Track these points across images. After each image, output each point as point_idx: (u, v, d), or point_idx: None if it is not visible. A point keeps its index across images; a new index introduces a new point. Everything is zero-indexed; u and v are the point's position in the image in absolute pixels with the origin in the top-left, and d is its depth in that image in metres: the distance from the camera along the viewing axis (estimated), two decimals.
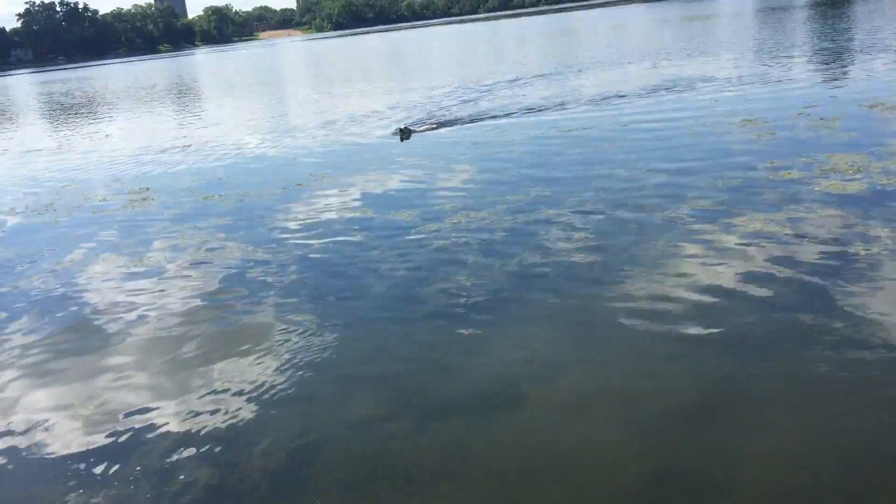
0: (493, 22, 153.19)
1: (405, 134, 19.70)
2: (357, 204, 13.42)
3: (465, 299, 8.65)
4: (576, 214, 11.26)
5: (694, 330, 7.37)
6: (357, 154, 18.41)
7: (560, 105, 22.23)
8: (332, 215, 12.86)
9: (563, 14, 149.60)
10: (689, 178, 12.51)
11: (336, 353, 7.76)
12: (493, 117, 21.40)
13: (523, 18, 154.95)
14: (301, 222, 12.63)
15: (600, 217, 11.03)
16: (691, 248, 9.40)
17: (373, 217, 12.42)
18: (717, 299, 7.97)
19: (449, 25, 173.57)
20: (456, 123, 21.25)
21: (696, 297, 8.07)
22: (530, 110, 21.92)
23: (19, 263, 12.00)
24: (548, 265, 9.38)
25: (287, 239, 11.78)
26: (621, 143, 15.91)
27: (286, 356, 7.74)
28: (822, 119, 15.78)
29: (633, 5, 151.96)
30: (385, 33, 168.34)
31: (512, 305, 8.42)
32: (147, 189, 16.45)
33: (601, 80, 27.54)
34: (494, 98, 25.89)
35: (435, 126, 20.86)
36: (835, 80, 21.42)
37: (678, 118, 17.88)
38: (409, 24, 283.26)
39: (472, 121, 21.33)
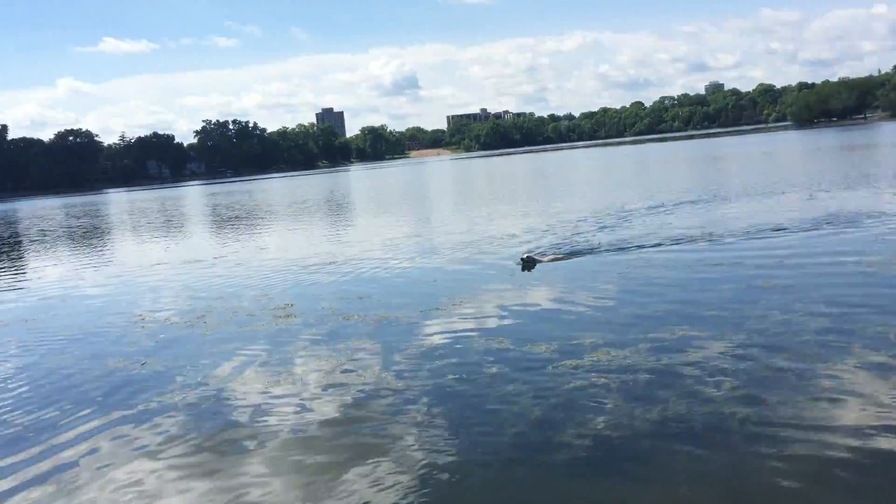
0: (639, 146, 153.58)
1: (528, 264, 19.11)
2: (493, 332, 13.17)
3: (605, 448, 8.12)
4: (726, 358, 10.54)
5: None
6: (494, 279, 18.28)
7: (708, 236, 21.47)
8: (468, 343, 12.65)
9: (712, 140, 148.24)
10: (854, 325, 11.53)
11: (468, 494, 7.38)
12: (635, 247, 20.81)
13: (670, 143, 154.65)
14: (437, 349, 12.47)
15: (754, 363, 10.25)
16: (858, 408, 8.50)
17: (509, 348, 12.11)
18: (887, 472, 7.07)
19: (594, 148, 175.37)
20: (588, 253, 20.63)
21: (862, 465, 7.20)
22: (675, 241, 21.22)
23: (171, 373, 12.41)
24: (695, 416, 8.71)
25: (423, 365, 11.63)
26: (777, 281, 15.01)
27: (415, 490, 7.45)
28: None
29: (786, 132, 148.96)
30: (530, 154, 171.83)
31: (656, 458, 7.81)
32: (291, 305, 16.89)
33: (754, 211, 26.58)
34: (634, 226, 25.41)
35: (561, 256, 20.20)
36: None
37: (841, 257, 16.81)
38: (554, 146, 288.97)
39: (609, 250, 20.77)
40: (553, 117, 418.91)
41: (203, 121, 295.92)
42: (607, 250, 20.71)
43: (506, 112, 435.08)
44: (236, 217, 50.99)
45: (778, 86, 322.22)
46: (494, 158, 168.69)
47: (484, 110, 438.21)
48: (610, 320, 13.38)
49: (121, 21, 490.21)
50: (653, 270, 17.53)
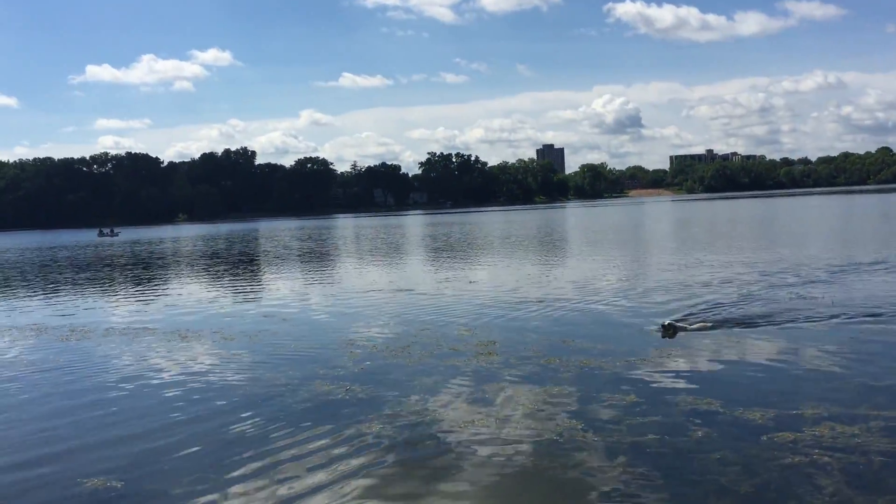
0: (886, 195, 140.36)
1: (670, 331, 16.96)
2: (702, 392, 12.29)
3: None
4: None
5: None
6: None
7: None
8: (673, 401, 11.89)
9: None
10: None
11: None
12: (830, 317, 18.00)
13: None
14: (639, 404, 11.81)
15: None
16: None
17: (719, 411, 11.23)
18: None
19: (832, 196, 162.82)
20: (763, 321, 17.87)
21: None
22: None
23: (373, 401, 12.66)
24: None
25: (623, 419, 11.06)
26: None
27: None
28: None
29: None
30: (759, 199, 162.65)
31: None
32: (494, 343, 16.82)
33: None
34: (839, 287, 22.74)
35: (710, 325, 17.65)
36: None
37: None
38: (786, 191, 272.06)
39: (803, 317, 18.03)
40: (786, 161, 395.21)
41: (428, 153, 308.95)
42: (796, 318, 18.06)
43: (734, 154, 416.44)
44: (451, 248, 52.27)
45: None
46: (718, 202, 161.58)
47: (710, 151, 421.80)
48: (835, 391, 12.07)
49: (359, 58, 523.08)
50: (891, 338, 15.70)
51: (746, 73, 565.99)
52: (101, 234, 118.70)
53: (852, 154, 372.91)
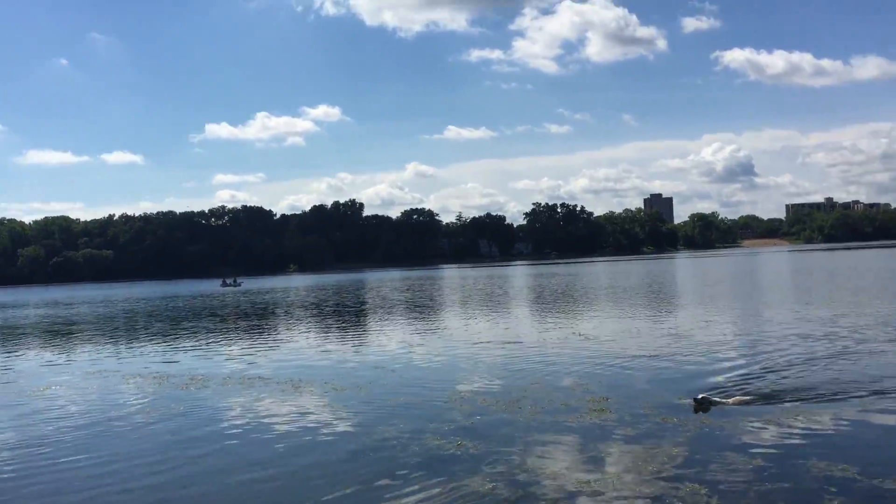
0: None
1: (701, 405, 15.30)
2: (835, 455, 11.58)
3: None
4: None
5: None
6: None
7: None
8: (803, 465, 11.25)
9: None
10: None
11: None
12: None
13: None
14: (766, 468, 11.22)
15: None
16: None
17: (855, 478, 10.48)
18: None
19: None
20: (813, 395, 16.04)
21: None
22: None
23: (484, 457, 12.51)
24: None
25: (750, 485, 10.52)
26: None
27: None
28: None
29: None
30: (886, 250, 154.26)
31: None
32: (607, 399, 16.35)
33: None
34: None
35: (749, 398, 15.81)
36: None
37: None
38: None
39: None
40: None
41: (533, 203, 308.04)
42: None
43: (855, 202, 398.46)
44: (558, 300, 51.64)
45: None
46: (839, 252, 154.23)
47: (829, 199, 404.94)
48: None
49: (464, 112, 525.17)
50: None
51: (866, 119, 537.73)
52: (224, 283, 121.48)
53: None
